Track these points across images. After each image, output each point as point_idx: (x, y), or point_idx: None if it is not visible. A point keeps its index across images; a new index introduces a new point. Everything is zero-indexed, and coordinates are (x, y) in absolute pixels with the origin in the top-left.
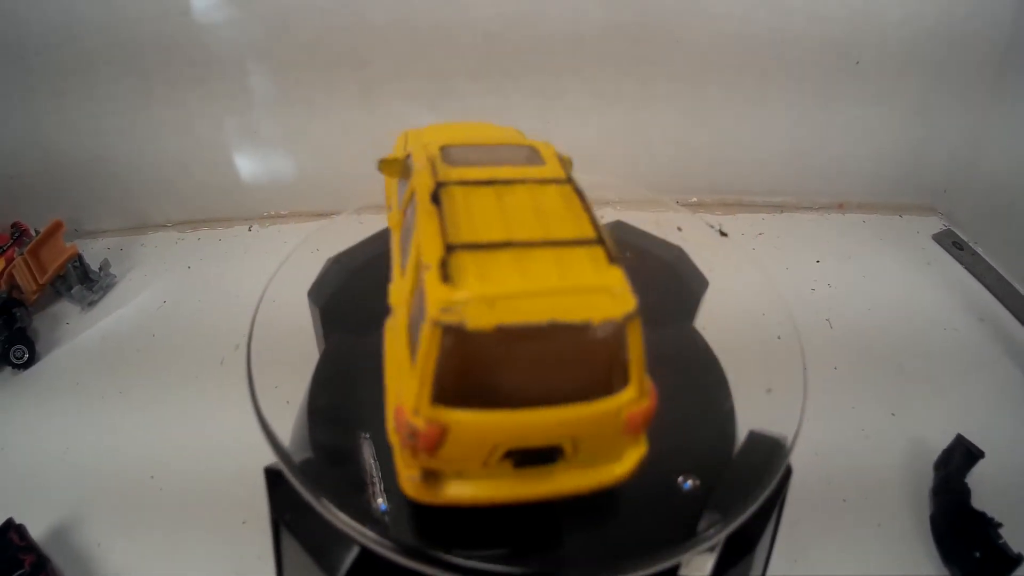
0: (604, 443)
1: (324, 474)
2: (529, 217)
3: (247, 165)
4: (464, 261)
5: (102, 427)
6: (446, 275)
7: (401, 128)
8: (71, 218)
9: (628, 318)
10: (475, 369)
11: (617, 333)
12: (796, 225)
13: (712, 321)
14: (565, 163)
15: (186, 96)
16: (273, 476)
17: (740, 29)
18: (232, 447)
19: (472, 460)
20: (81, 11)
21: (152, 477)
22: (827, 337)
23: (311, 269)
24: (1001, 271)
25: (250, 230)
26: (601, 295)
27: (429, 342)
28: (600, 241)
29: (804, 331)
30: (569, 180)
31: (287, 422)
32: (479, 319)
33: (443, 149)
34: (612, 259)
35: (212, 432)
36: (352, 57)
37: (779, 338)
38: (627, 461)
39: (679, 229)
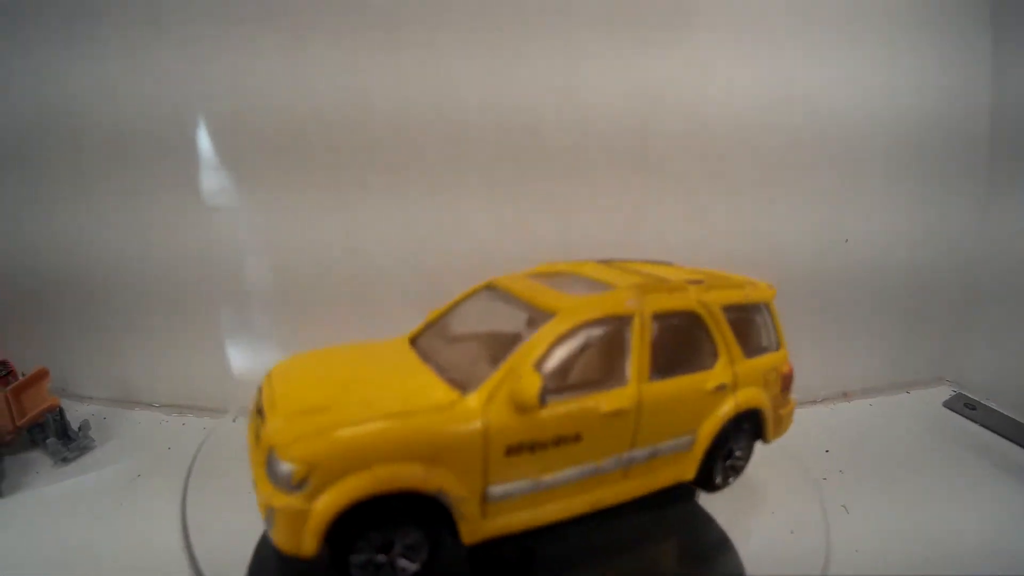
0: None
1: None
2: None
3: (238, 357)
4: None
5: None
6: None
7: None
8: (58, 377)
9: None
10: None
11: None
12: (801, 419)
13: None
14: None
15: (185, 283)
16: None
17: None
18: None
19: None
20: None
21: None
22: (844, 521)
23: None
24: (1018, 419)
25: (234, 421)
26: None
27: None
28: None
29: (820, 519)
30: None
31: None
32: None
33: None
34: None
35: None
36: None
37: (793, 533)
38: None
39: None
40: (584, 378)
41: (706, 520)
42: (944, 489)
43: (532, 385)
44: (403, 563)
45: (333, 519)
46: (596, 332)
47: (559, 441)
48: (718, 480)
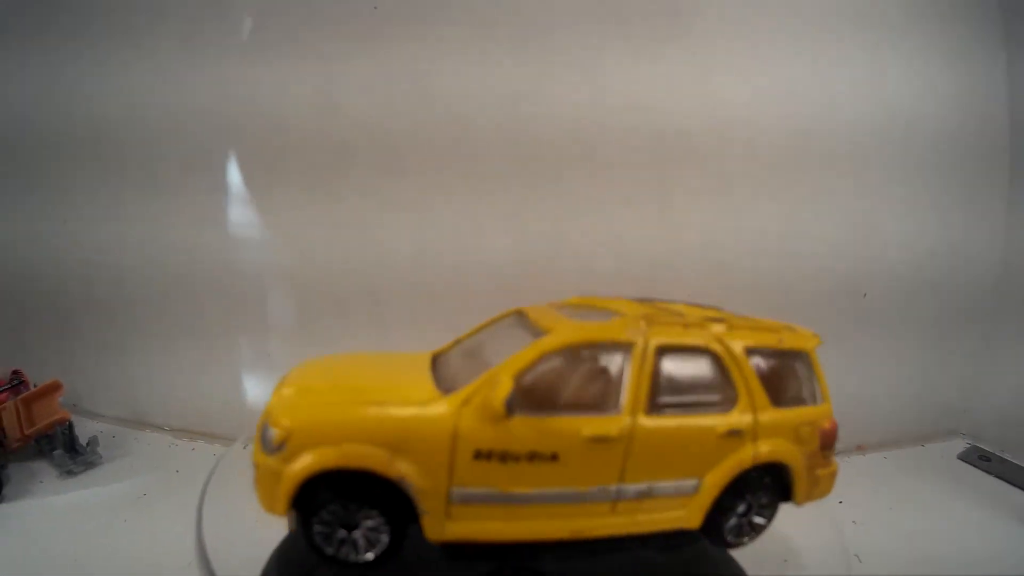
0: None
1: None
2: None
3: (254, 387)
4: None
5: None
6: None
7: None
8: (72, 392)
9: None
10: None
11: None
12: None
13: None
14: None
15: (205, 308)
16: None
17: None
18: None
19: None
20: None
21: None
22: (857, 572)
23: None
24: None
25: (245, 448)
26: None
27: None
28: None
29: (831, 567)
30: None
31: None
32: None
33: None
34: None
35: None
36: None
37: None
38: None
39: None
40: (570, 399)
41: (724, 562)
42: (959, 540)
43: (501, 392)
44: (362, 543)
45: (301, 483)
46: (590, 356)
47: (533, 456)
48: (729, 537)
